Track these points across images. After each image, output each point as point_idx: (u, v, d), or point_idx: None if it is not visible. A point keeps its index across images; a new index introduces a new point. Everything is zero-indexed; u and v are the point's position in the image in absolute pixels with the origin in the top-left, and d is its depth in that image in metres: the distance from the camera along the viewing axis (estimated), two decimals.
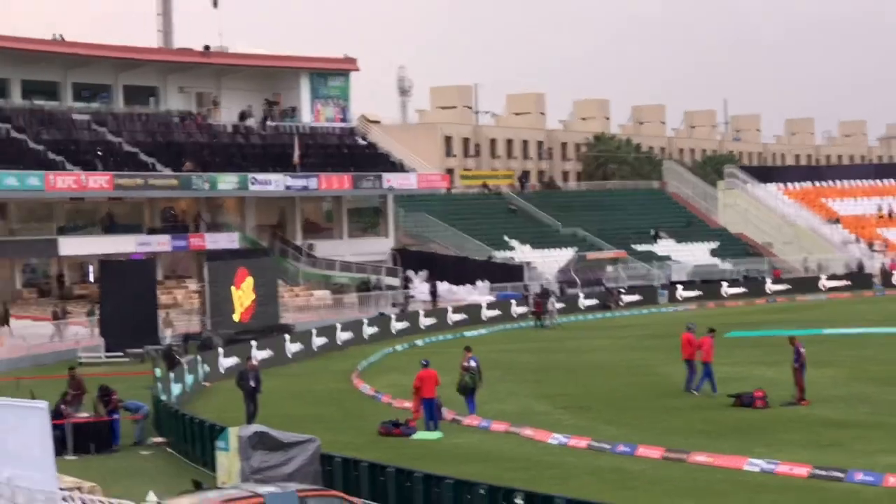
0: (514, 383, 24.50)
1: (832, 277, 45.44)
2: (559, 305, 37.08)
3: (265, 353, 28.29)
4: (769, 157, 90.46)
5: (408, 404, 19.87)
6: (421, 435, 17.82)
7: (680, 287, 43.02)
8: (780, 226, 52.31)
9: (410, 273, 43.21)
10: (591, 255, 46.79)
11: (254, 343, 29.89)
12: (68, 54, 41.92)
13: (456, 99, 74.05)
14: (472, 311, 37.74)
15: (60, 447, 14.38)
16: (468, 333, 34.30)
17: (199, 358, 25.98)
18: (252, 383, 19.14)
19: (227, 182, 41.69)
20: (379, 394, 22.72)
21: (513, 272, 43.32)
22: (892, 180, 58.08)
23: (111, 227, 40.18)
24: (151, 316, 34.33)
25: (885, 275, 44.77)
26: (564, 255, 46.83)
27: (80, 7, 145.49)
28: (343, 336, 33.25)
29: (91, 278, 41.02)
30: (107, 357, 32.60)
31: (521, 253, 46.68)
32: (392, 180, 45.53)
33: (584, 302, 40.65)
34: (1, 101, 42.20)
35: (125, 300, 33.61)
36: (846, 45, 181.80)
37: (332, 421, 20.06)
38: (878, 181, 57.79)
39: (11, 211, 39.40)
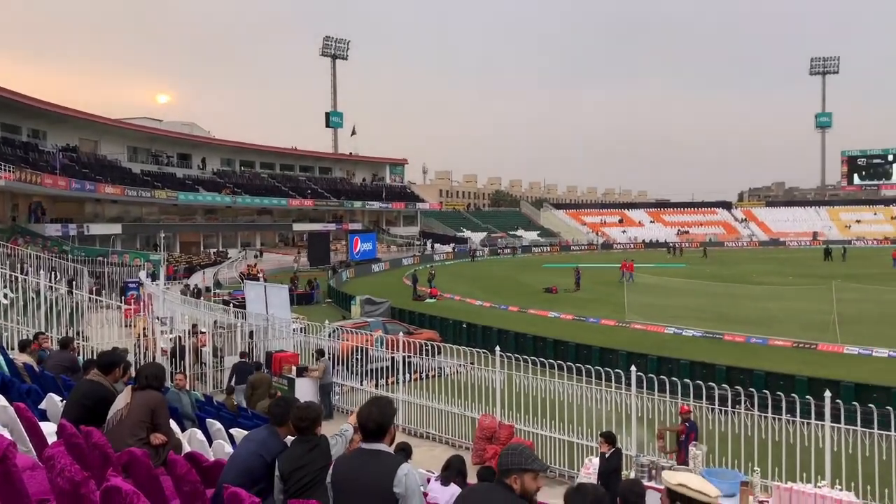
0: (453, 280, 42.89)
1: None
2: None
3: (376, 267, 56.50)
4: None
5: (426, 288, 37.02)
6: (428, 300, 33.87)
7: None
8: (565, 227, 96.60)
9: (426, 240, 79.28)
10: (494, 235, 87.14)
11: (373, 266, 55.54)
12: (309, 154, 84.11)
13: (443, 174, 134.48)
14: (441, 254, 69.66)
15: (290, 302, 21.94)
16: (448, 262, 63.78)
17: (344, 270, 48.32)
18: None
19: (366, 204, 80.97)
20: (409, 282, 39.58)
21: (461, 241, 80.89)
22: None
23: (311, 220, 73.38)
24: (327, 254, 55.62)
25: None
26: (477, 236, 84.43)
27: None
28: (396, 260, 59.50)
29: (304, 238, 64.73)
30: (312, 267, 51.97)
31: (467, 233, 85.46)
32: (419, 205, 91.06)
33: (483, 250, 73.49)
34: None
35: (320, 247, 56.03)
36: None
37: (396, 294, 34.18)
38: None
39: (276, 214, 72.91)
